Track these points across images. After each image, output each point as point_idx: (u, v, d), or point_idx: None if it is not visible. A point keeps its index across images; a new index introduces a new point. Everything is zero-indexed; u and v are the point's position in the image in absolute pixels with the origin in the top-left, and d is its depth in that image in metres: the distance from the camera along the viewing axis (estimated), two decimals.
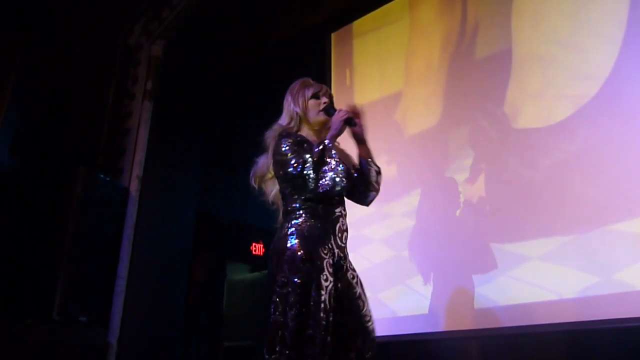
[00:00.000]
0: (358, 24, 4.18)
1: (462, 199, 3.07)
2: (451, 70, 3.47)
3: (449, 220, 3.14)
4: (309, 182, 1.94)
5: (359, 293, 2.04)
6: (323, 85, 2.25)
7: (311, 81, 2.27)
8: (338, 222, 2.05)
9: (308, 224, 2.01)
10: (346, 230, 2.08)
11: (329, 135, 2.04)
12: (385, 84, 3.81)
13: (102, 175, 4.05)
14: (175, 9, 4.64)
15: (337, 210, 2.07)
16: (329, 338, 1.84)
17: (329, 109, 2.15)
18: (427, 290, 3.09)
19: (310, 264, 1.92)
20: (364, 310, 2.02)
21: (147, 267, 4.22)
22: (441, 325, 2.96)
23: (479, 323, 2.83)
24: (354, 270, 2.09)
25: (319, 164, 1.95)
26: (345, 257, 2.05)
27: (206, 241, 5.19)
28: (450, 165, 3.26)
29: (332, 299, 1.90)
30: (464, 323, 2.89)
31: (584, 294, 2.51)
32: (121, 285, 4.04)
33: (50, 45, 4.12)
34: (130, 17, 4.74)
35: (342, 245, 2.05)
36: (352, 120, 2.08)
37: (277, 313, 1.90)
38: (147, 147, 4.39)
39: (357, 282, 2.06)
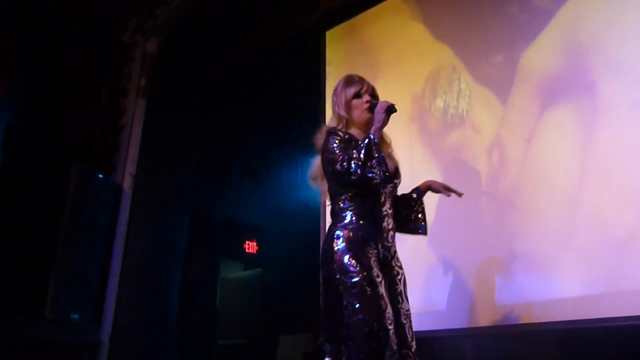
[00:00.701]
0: (353, 22, 4.18)
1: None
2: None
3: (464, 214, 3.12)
4: (355, 177, 1.93)
5: (400, 290, 2.05)
6: (365, 82, 2.20)
7: (355, 78, 2.22)
8: (384, 221, 2.05)
9: (354, 225, 2.01)
10: (392, 230, 2.08)
11: (373, 128, 2.01)
12: (380, 80, 3.80)
13: (95, 173, 4.03)
14: (170, 6, 4.62)
15: (384, 209, 2.06)
16: (392, 330, 1.86)
17: (373, 106, 2.09)
18: (437, 287, 3.07)
19: (359, 265, 1.92)
20: (403, 308, 2.02)
21: (140, 265, 4.21)
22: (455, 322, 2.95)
23: (499, 320, 2.80)
24: (400, 267, 2.10)
25: (365, 159, 1.93)
26: (392, 255, 2.06)
27: (200, 239, 5.18)
28: (465, 160, 3.24)
29: (387, 294, 1.93)
30: (481, 320, 2.87)
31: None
32: (114, 283, 4.02)
33: (44, 41, 4.09)
34: (125, 14, 4.71)
35: (389, 244, 2.05)
36: (394, 108, 2.02)
37: (331, 316, 1.94)
38: (140, 144, 4.38)
39: (400, 280, 2.07)
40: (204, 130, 5.01)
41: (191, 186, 4.84)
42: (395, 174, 2.17)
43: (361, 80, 2.20)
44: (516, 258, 2.80)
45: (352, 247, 1.96)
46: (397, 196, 2.22)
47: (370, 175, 1.92)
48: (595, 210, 2.60)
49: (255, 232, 6.01)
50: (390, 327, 1.86)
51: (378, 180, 1.93)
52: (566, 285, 2.60)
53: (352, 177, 1.94)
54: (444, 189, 2.24)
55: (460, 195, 2.24)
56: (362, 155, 1.93)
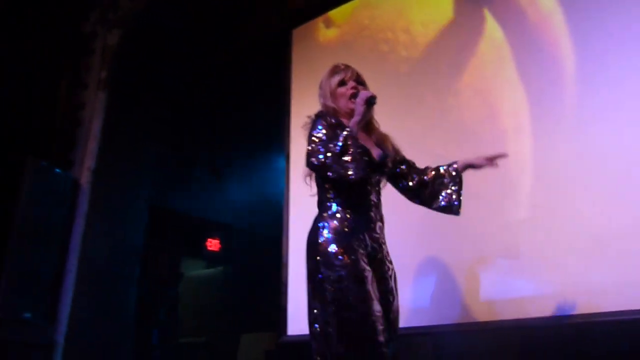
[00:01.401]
0: (320, 21, 4.18)
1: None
2: (422, 66, 3.50)
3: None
4: (330, 173, 1.87)
5: (391, 287, 1.97)
6: (350, 69, 2.13)
7: (340, 67, 2.15)
8: (371, 211, 1.98)
9: (339, 215, 1.94)
10: (380, 220, 2.02)
11: (352, 121, 1.94)
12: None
13: (52, 167, 3.91)
14: None
15: (370, 198, 2.00)
16: (380, 327, 1.78)
17: (356, 95, 2.02)
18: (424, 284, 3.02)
19: (345, 258, 1.86)
20: (393, 305, 1.95)
21: (97, 262, 4.10)
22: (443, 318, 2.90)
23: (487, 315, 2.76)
24: (390, 262, 2.01)
25: (341, 154, 1.85)
26: (380, 248, 1.98)
27: (161, 236, 5.09)
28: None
29: (375, 289, 1.85)
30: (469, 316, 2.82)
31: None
32: (70, 280, 3.91)
33: (1, 30, 3.94)
34: (87, 5, 4.58)
35: (376, 235, 1.97)
36: (374, 99, 1.95)
37: (316, 310, 1.86)
38: (100, 138, 4.26)
39: (390, 276, 1.99)
40: (166, 125, 4.92)
41: (152, 182, 4.75)
42: (384, 161, 2.05)
43: (346, 67, 2.13)
44: (503, 255, 2.77)
45: (338, 238, 1.90)
46: (422, 170, 2.18)
47: (342, 171, 1.84)
48: (581, 206, 2.60)
49: (218, 229, 5.95)
50: (379, 325, 1.78)
51: (353, 177, 1.85)
52: (552, 281, 2.59)
53: (327, 172, 1.88)
54: (488, 161, 2.12)
55: (498, 158, 2.13)
56: (337, 150, 1.86)
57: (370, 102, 1.95)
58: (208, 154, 5.49)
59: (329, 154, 1.86)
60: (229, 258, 6.01)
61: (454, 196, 2.11)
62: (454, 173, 2.14)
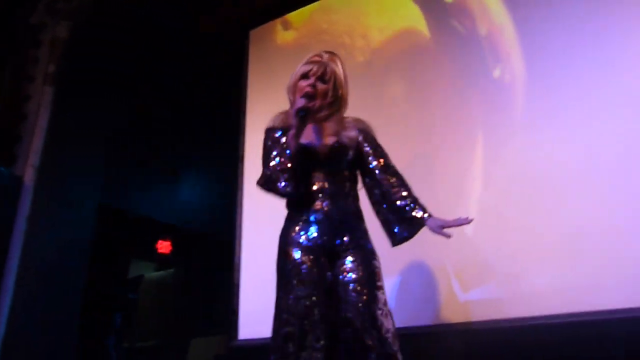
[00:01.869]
0: (278, 22, 4.16)
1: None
2: (377, 71, 3.52)
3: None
4: (272, 193, 1.92)
5: (358, 277, 1.80)
6: (320, 63, 2.00)
7: (313, 57, 2.04)
8: (322, 208, 1.89)
9: (289, 217, 1.97)
10: (341, 215, 1.89)
11: (289, 134, 1.87)
12: None
13: None
14: None
15: (318, 187, 1.92)
16: (310, 336, 1.69)
17: (310, 96, 1.93)
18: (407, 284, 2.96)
19: (283, 259, 1.88)
20: (361, 295, 1.77)
21: (40, 263, 3.93)
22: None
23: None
24: (360, 250, 1.87)
25: (275, 171, 1.88)
26: (342, 240, 1.87)
27: (109, 237, 4.94)
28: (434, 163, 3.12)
29: (313, 294, 1.76)
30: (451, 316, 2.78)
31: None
32: (10, 282, 3.73)
33: None
34: None
35: (335, 227, 1.87)
36: (301, 110, 1.86)
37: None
38: (46, 134, 4.09)
39: (358, 266, 1.82)
40: (118, 123, 4.78)
41: (101, 180, 4.59)
42: (332, 151, 1.96)
43: (316, 61, 2.02)
44: (487, 253, 2.75)
45: (282, 238, 1.95)
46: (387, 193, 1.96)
47: (276, 189, 1.90)
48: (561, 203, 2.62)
49: (169, 231, 5.82)
50: (308, 323, 1.70)
51: (284, 191, 1.88)
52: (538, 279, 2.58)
53: (267, 191, 1.93)
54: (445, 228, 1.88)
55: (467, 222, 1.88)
56: (268, 171, 1.91)
57: (298, 114, 1.86)
58: (163, 154, 5.37)
59: (266, 174, 1.91)
60: (180, 260, 5.89)
61: (404, 234, 1.94)
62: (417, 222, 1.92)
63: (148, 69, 4.75)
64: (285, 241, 1.92)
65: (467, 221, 1.84)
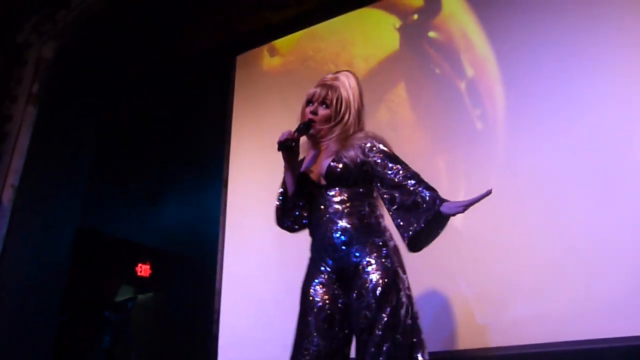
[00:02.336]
0: (265, 49, 4.20)
1: None
2: None
3: None
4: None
5: (367, 303, 1.71)
6: (321, 88, 1.98)
7: (321, 80, 2.03)
8: (325, 228, 1.85)
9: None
10: (344, 236, 1.80)
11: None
12: (288, 111, 3.82)
13: None
14: (74, 11, 4.36)
15: (322, 212, 1.88)
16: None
17: (305, 125, 1.94)
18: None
19: (301, 296, 1.90)
20: (369, 320, 1.69)
21: (16, 286, 3.84)
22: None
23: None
24: (375, 272, 1.75)
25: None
26: (356, 264, 1.78)
27: (87, 260, 4.84)
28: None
29: (324, 323, 1.78)
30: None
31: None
32: None
33: None
34: (22, 14, 4.38)
35: (340, 254, 1.81)
36: (279, 145, 1.85)
37: None
38: (26, 154, 4.04)
39: (368, 289, 1.72)
40: (100, 145, 4.74)
41: (81, 203, 4.52)
42: (329, 177, 1.90)
43: (322, 83, 2.01)
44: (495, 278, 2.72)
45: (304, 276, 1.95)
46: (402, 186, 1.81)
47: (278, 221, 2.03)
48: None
49: (149, 254, 5.73)
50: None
51: (279, 223, 2.03)
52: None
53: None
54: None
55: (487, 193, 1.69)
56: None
57: (279, 148, 1.86)
58: (144, 177, 5.32)
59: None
60: (160, 284, 5.79)
61: (416, 227, 1.77)
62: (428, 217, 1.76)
63: (132, 93, 4.74)
64: (305, 274, 1.94)
65: (487, 193, 1.67)
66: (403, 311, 1.70)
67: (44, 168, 4.18)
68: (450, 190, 2.82)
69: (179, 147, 5.06)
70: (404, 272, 1.82)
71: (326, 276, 1.85)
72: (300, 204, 1.96)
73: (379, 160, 1.87)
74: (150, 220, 5.41)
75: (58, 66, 4.37)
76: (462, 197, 2.74)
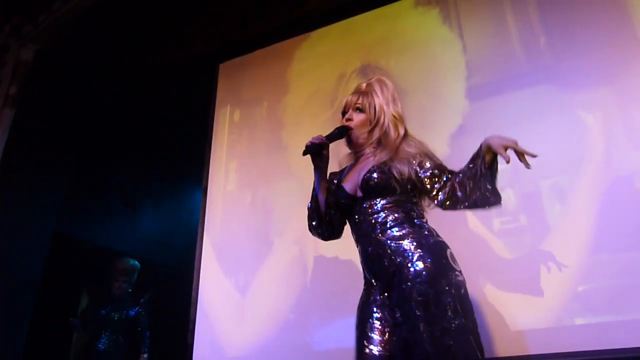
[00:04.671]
0: (248, 58, 4.19)
1: None
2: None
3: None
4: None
5: (411, 314, 1.62)
6: (354, 93, 1.99)
7: (357, 87, 2.02)
8: (362, 242, 1.83)
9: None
10: (386, 253, 1.74)
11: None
12: (271, 120, 3.82)
13: None
14: (55, 14, 4.32)
15: (360, 228, 1.84)
16: None
17: (340, 130, 1.94)
18: None
19: (358, 322, 1.80)
20: (417, 334, 1.59)
21: None
22: None
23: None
24: (411, 283, 1.65)
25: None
26: (390, 271, 1.72)
27: (62, 267, 4.75)
28: None
29: (381, 346, 1.69)
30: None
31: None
32: None
33: None
34: (1, 15, 4.33)
35: (382, 261, 1.75)
36: (307, 149, 1.83)
37: None
38: (2, 158, 3.96)
39: (412, 300, 1.63)
40: (78, 150, 4.67)
41: (57, 208, 4.45)
42: (364, 188, 1.84)
43: (354, 92, 2.01)
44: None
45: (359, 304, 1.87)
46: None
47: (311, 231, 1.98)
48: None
49: None
50: None
51: (313, 232, 1.97)
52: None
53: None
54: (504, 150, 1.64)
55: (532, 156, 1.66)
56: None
57: (305, 152, 1.84)
58: (121, 183, 5.25)
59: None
60: (136, 292, 5.70)
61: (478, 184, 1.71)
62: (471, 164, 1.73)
63: (112, 98, 4.69)
64: (362, 303, 1.85)
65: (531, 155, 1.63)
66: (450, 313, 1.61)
67: (20, 173, 4.11)
68: None
69: (158, 155, 5.01)
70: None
71: (375, 288, 1.80)
72: (332, 212, 1.92)
73: (427, 179, 1.81)
74: (128, 227, 5.34)
75: (37, 69, 4.31)
76: None
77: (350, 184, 1.90)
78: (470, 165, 1.72)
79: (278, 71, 3.95)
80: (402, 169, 1.82)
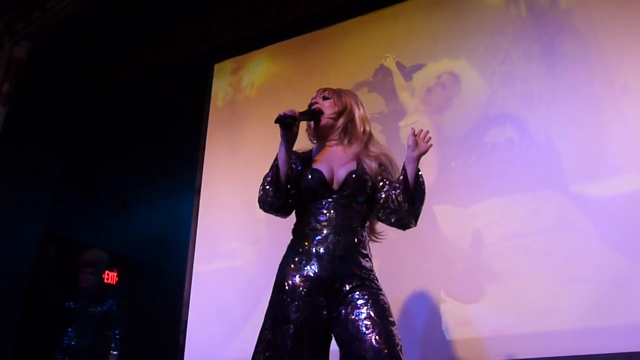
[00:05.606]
0: (242, 59, 4.20)
1: None
2: None
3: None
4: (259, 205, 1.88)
5: (368, 314, 1.67)
6: (324, 88, 2.04)
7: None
8: (326, 241, 1.77)
9: (290, 246, 1.86)
10: (346, 250, 1.76)
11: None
12: (264, 120, 3.82)
13: None
14: (48, 12, 4.29)
15: (326, 228, 1.79)
16: None
17: (313, 111, 1.96)
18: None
19: (278, 294, 1.76)
20: (374, 332, 1.64)
21: None
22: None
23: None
24: (367, 287, 1.73)
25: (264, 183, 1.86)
26: (344, 278, 1.74)
27: (53, 265, 4.72)
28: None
29: (305, 333, 1.68)
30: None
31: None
32: None
33: None
34: None
35: (338, 266, 1.74)
36: (283, 119, 1.80)
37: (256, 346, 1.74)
38: None
39: (367, 302, 1.70)
40: (70, 148, 4.65)
41: (48, 207, 4.42)
42: (344, 183, 1.84)
43: (320, 89, 2.05)
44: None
45: (280, 272, 1.82)
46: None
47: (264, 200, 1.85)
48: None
49: (117, 261, 5.62)
50: None
51: (260, 203, 1.87)
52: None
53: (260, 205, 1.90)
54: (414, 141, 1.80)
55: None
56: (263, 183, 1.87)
57: (276, 121, 1.82)
58: (114, 182, 5.23)
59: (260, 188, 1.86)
60: (127, 292, 5.68)
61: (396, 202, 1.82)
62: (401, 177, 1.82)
63: (106, 97, 4.67)
64: (283, 272, 1.81)
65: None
66: (396, 330, 1.69)
67: (12, 170, 4.08)
68: None
69: (152, 155, 5.00)
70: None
71: (314, 284, 1.75)
72: (292, 192, 1.85)
73: (387, 182, 1.86)
74: (120, 226, 5.32)
75: (30, 67, 4.28)
76: None
77: (326, 172, 1.86)
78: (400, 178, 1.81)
79: (272, 73, 3.96)
80: (372, 165, 1.88)
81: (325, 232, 1.79)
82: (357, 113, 1.98)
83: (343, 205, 1.83)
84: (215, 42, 4.27)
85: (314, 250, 1.78)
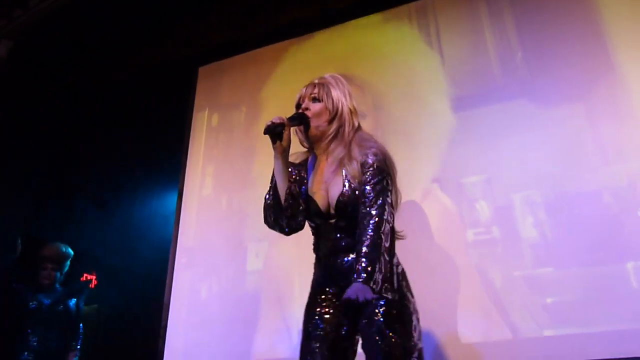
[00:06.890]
0: (227, 63, 4.18)
1: None
2: None
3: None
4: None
5: (378, 328, 1.62)
6: (310, 85, 1.93)
7: (313, 81, 1.95)
8: (336, 263, 1.76)
9: (315, 264, 1.87)
10: (355, 265, 1.65)
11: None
12: (249, 126, 3.82)
13: None
14: (31, 11, 4.24)
15: (327, 237, 1.78)
16: None
17: (300, 115, 1.87)
18: None
19: (306, 310, 1.80)
20: (382, 345, 1.61)
21: None
22: None
23: None
24: (382, 303, 1.64)
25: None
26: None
27: (27, 268, 4.64)
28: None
29: (326, 350, 1.69)
30: None
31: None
32: None
33: None
34: None
35: (347, 278, 1.69)
36: (273, 128, 1.74)
37: None
38: None
39: (377, 317, 1.63)
40: (51, 149, 4.58)
41: (28, 209, 4.35)
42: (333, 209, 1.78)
43: (310, 84, 1.94)
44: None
45: (310, 291, 1.84)
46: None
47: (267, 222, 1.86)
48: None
49: (96, 264, 5.54)
50: None
51: (267, 223, 1.86)
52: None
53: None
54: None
55: None
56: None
57: (265, 132, 1.76)
58: (95, 184, 5.16)
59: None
60: (105, 296, 5.60)
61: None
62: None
63: (88, 98, 4.61)
64: (310, 299, 1.83)
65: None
66: (416, 334, 1.67)
67: None
68: None
69: (134, 157, 4.94)
70: (412, 296, 1.74)
71: (331, 303, 1.77)
72: (300, 208, 1.81)
73: (366, 187, 1.73)
74: (100, 229, 5.25)
75: (11, 66, 4.22)
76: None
77: (321, 201, 1.80)
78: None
79: (257, 77, 3.95)
80: (353, 167, 1.77)
81: (332, 256, 1.78)
82: (347, 109, 1.89)
83: (347, 223, 1.76)
84: (200, 46, 4.26)
85: (328, 274, 1.79)
